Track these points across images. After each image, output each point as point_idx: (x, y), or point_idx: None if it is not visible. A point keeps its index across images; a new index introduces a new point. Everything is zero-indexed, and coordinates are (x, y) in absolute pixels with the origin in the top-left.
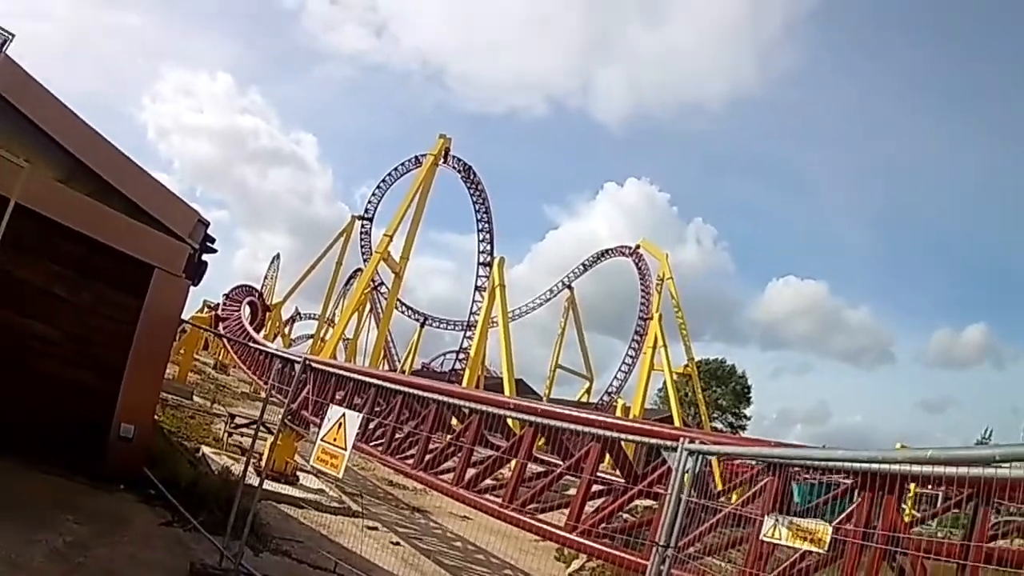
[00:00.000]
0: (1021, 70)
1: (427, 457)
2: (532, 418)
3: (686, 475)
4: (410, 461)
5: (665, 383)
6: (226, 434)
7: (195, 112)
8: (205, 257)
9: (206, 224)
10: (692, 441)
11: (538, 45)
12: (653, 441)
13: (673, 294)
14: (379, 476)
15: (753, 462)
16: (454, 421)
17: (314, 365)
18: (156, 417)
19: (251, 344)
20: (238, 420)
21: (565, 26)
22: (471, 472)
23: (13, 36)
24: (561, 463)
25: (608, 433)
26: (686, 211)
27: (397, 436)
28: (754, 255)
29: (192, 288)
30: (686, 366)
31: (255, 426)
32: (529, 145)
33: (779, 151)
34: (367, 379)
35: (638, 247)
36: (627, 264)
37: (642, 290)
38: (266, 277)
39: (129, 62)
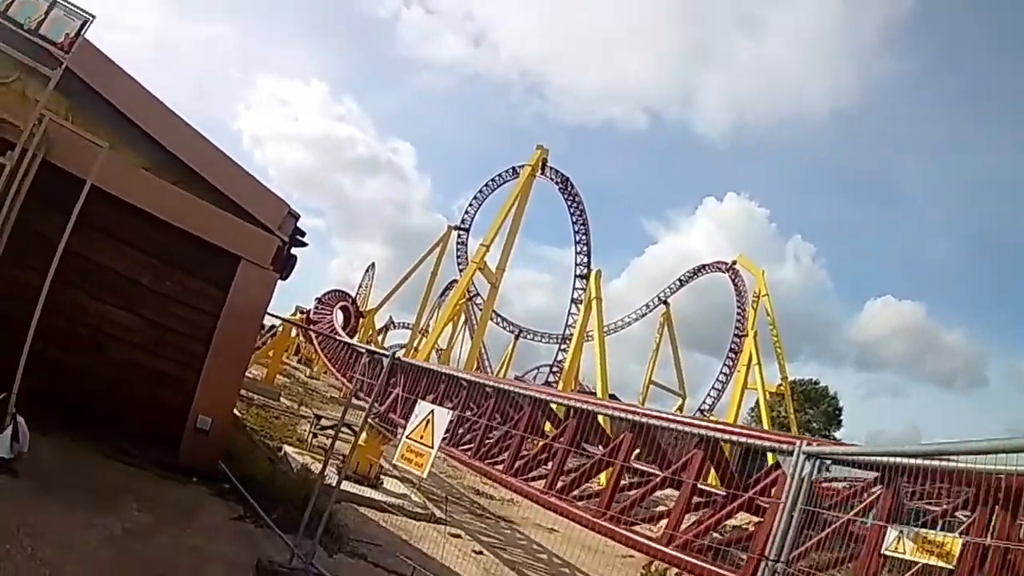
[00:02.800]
0: None
1: (518, 463)
2: (632, 417)
3: (803, 481)
4: (500, 467)
5: (758, 402)
6: (310, 435)
7: (290, 120)
8: (295, 251)
9: (296, 216)
10: (809, 444)
11: (637, 54)
12: (767, 444)
13: (769, 312)
14: (466, 484)
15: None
16: (548, 427)
17: (402, 360)
18: (238, 413)
19: (337, 338)
20: (324, 422)
21: (663, 35)
22: (563, 482)
23: (93, 18)
24: (659, 472)
25: (716, 434)
26: (785, 228)
27: (487, 441)
28: (852, 273)
29: (280, 282)
30: (779, 386)
31: (337, 426)
32: (628, 157)
33: (878, 164)
34: (459, 376)
35: (735, 263)
36: (724, 280)
37: (738, 307)
38: (361, 285)
39: (222, 72)
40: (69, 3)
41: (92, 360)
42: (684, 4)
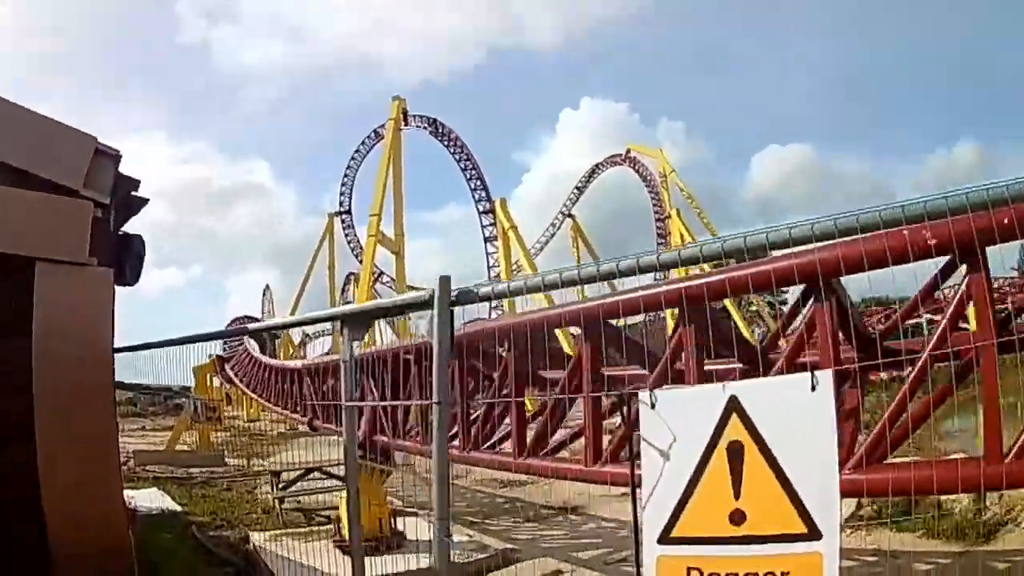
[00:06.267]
0: None
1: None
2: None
3: None
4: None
5: None
6: (276, 501)
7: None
8: (135, 227)
9: (116, 157)
10: None
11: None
12: None
13: (682, 187)
14: (477, 479)
15: None
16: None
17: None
18: (179, 506)
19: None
20: (284, 476)
21: None
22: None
23: None
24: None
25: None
26: (648, 115)
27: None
28: (728, 135)
29: (131, 287)
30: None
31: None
32: (477, 100)
33: (712, 26)
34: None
35: (629, 151)
36: (621, 180)
37: (649, 192)
38: (263, 311)
39: None
40: None
41: None
42: None
